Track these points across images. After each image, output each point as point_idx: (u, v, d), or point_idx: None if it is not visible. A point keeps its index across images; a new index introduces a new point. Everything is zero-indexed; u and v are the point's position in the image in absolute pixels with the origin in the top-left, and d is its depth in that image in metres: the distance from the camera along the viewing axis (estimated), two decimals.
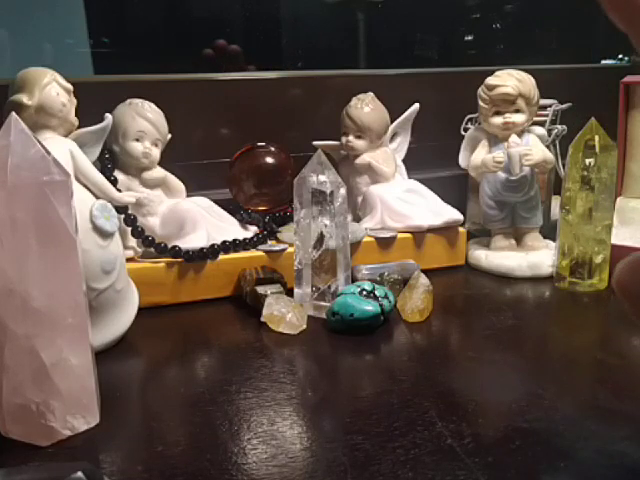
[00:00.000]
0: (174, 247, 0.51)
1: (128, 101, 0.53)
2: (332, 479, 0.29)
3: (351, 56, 0.83)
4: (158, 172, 0.55)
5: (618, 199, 0.65)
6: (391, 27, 0.85)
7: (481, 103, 0.60)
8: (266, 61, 0.76)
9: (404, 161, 0.66)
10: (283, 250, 0.55)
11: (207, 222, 0.54)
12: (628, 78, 0.65)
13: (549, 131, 0.64)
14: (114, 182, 0.50)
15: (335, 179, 0.49)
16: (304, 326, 0.47)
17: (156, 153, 0.54)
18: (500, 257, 0.60)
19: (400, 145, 0.67)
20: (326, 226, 0.49)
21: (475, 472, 0.29)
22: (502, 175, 0.59)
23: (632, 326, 0.47)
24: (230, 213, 0.59)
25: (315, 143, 0.63)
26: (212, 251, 0.52)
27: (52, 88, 0.44)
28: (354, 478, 0.29)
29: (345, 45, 0.84)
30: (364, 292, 0.47)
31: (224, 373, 0.41)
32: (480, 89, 0.60)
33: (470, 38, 0.93)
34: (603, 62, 1.00)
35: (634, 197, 0.67)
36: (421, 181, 0.63)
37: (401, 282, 0.53)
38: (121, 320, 0.45)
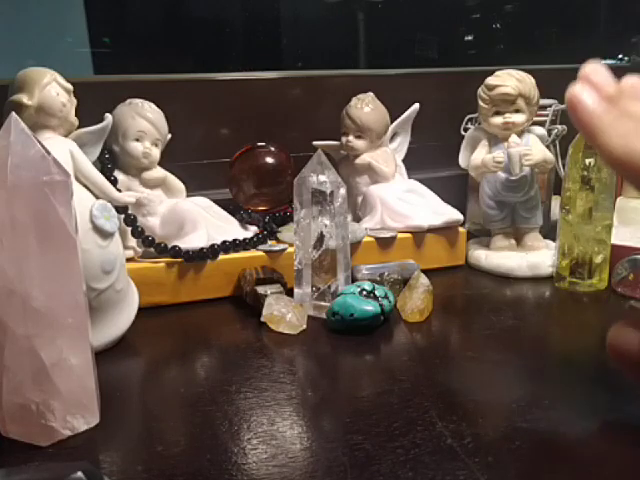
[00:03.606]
0: (174, 247, 0.51)
1: (128, 101, 0.53)
2: (332, 479, 0.29)
3: (351, 56, 0.83)
4: (158, 172, 0.55)
5: (618, 199, 0.65)
6: (391, 27, 0.85)
7: (481, 103, 0.60)
8: (266, 61, 0.76)
9: (404, 161, 0.66)
10: (283, 250, 0.55)
11: (207, 222, 0.54)
12: None
13: (549, 131, 0.64)
14: (114, 182, 0.50)
15: (335, 179, 0.49)
16: (304, 326, 0.47)
17: (156, 153, 0.54)
18: (500, 257, 0.60)
19: (400, 145, 0.67)
20: (326, 226, 0.49)
21: (475, 472, 0.29)
22: (502, 175, 0.59)
23: None
24: (230, 213, 0.59)
25: (315, 143, 0.63)
26: (212, 251, 0.52)
27: (52, 88, 0.44)
28: (354, 478, 0.29)
29: (345, 45, 0.84)
30: (364, 292, 0.47)
31: (224, 373, 0.41)
32: (480, 89, 0.60)
33: (470, 38, 0.93)
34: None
35: (634, 197, 0.67)
36: (421, 181, 0.63)
37: (401, 282, 0.53)
38: (121, 320, 0.45)
